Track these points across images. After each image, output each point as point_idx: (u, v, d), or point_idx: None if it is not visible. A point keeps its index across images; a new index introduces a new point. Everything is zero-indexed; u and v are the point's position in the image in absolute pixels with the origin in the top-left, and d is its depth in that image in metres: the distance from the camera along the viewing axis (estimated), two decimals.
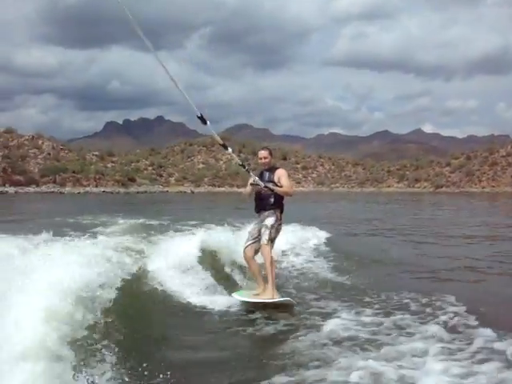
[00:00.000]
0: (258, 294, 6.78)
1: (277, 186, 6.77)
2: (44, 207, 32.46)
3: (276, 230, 6.89)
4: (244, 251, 7.07)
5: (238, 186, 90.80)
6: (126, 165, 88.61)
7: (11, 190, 60.67)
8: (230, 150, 6.45)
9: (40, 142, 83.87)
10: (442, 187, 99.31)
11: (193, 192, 77.93)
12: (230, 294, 7.08)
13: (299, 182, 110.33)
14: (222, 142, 6.14)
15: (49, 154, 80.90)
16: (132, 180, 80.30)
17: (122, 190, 71.17)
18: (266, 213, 6.89)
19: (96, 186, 72.61)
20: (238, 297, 6.68)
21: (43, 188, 66.22)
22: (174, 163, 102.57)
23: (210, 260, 8.09)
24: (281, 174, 6.84)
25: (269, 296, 6.52)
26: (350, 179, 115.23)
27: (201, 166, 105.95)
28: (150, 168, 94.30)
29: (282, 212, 7.03)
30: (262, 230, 6.85)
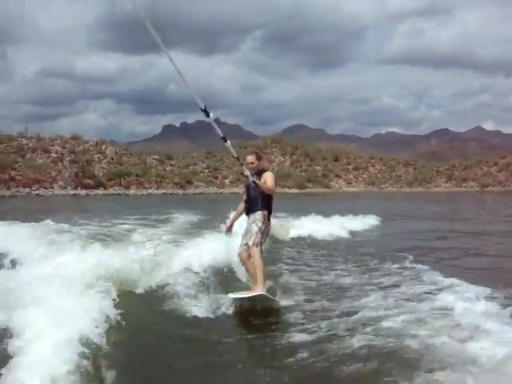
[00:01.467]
0: (253, 289, 7.06)
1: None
2: (136, 205, 37.95)
3: (263, 233, 7.27)
4: (238, 254, 7.44)
5: (288, 187, 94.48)
6: (183, 168, 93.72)
7: (83, 192, 66.50)
8: (228, 142, 6.96)
9: (103, 147, 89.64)
10: (488, 186, 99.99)
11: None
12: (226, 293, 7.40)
13: (350, 183, 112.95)
14: (222, 135, 6.76)
15: (112, 158, 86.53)
16: (189, 182, 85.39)
17: (180, 191, 76.32)
18: (253, 215, 7.33)
19: (157, 188, 78.12)
20: (232, 295, 6.97)
21: (110, 190, 71.78)
22: (228, 166, 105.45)
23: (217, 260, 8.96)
24: (267, 176, 7.33)
25: (259, 290, 6.77)
26: (399, 179, 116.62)
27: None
28: (206, 171, 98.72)
29: (270, 213, 7.44)
30: (249, 234, 7.23)
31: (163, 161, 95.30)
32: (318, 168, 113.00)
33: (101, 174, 78.47)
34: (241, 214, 7.83)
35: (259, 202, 7.29)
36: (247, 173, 7.27)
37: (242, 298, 6.88)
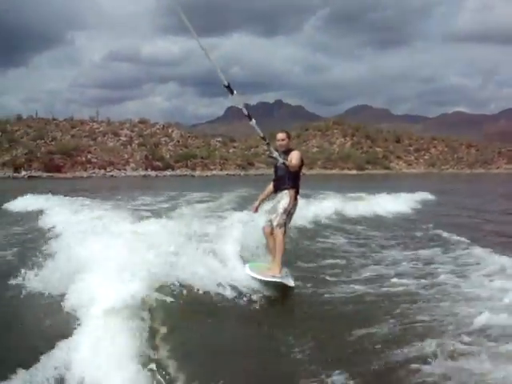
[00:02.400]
0: (269, 269, 7.24)
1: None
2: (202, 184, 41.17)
3: (289, 214, 7.36)
4: (263, 228, 7.59)
5: (348, 169, 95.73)
6: (246, 150, 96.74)
7: (152, 173, 70.79)
8: (253, 121, 6.85)
9: (170, 130, 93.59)
10: None
11: (304, 174, 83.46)
12: (245, 263, 7.68)
13: (410, 164, 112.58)
14: (246, 113, 6.68)
15: (178, 141, 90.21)
16: (251, 164, 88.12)
17: (242, 172, 79.39)
18: (281, 194, 7.39)
19: (221, 170, 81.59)
20: (249, 271, 7.15)
21: (177, 172, 75.49)
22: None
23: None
24: (293, 155, 7.29)
25: (275, 273, 6.99)
26: (461, 161, 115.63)
27: (315, 149, 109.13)
28: (268, 153, 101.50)
29: (297, 192, 7.44)
30: (274, 214, 7.28)
31: (226, 143, 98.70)
32: (378, 149, 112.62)
33: (168, 156, 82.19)
34: (269, 194, 7.88)
35: (286, 180, 7.34)
36: (275, 154, 7.28)
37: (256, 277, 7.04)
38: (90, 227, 9.68)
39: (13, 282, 6.64)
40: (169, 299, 5.72)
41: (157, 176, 68.33)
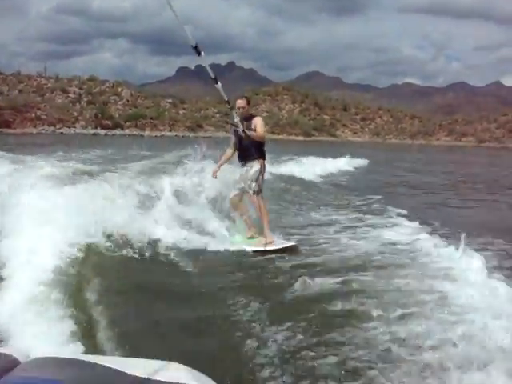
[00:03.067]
0: (251, 237, 7.33)
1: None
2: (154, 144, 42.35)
3: (261, 179, 7.35)
4: (230, 199, 7.65)
5: (295, 135, 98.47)
6: (195, 112, 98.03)
7: (102, 132, 71.65)
8: (219, 84, 6.63)
9: (119, 89, 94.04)
10: (484, 142, 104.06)
11: None
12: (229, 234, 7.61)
13: (356, 133, 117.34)
14: (213, 76, 6.42)
15: (127, 100, 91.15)
16: (200, 126, 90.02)
17: (191, 134, 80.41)
18: (250, 164, 7.30)
19: (170, 131, 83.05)
20: (244, 245, 7.09)
21: (126, 131, 76.58)
22: None
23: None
24: (257, 122, 7.20)
25: (269, 240, 7.01)
26: (404, 131, 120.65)
27: (264, 114, 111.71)
28: (218, 115, 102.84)
29: (264, 159, 7.44)
30: (248, 182, 7.25)
31: (176, 104, 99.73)
32: (326, 117, 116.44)
33: (117, 115, 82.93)
34: (228, 159, 7.76)
35: (253, 150, 7.22)
36: (236, 119, 7.11)
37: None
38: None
39: None
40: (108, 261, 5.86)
41: (106, 134, 69.13)
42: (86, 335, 3.90)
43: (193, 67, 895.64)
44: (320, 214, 10.58)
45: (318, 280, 5.39)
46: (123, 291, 5.08)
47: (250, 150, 7.24)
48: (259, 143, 7.30)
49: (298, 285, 5.31)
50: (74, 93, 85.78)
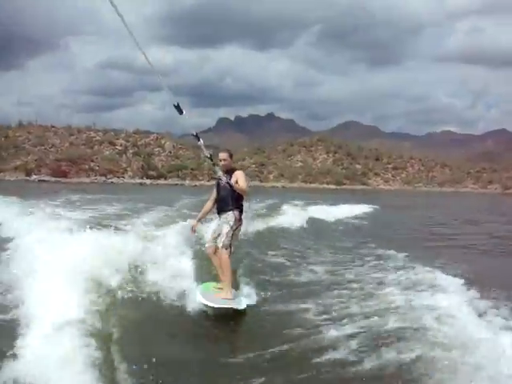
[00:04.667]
0: (221, 288, 7.12)
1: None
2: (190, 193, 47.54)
3: (234, 234, 7.17)
4: (206, 248, 7.55)
5: (327, 183, 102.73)
6: (233, 162, 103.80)
7: (148, 181, 78.07)
8: (201, 141, 6.94)
9: (162, 141, 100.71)
10: (509, 189, 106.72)
11: (284, 187, 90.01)
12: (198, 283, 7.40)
13: (387, 181, 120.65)
14: (194, 133, 6.84)
15: (170, 152, 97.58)
16: None
17: None
18: (225, 215, 7.21)
19: (208, 181, 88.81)
20: (201, 297, 6.78)
21: (169, 181, 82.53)
22: (274, 162, 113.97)
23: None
24: (238, 176, 7.14)
25: (226, 295, 6.86)
26: (433, 179, 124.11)
27: (299, 164, 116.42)
28: (254, 166, 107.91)
29: (241, 212, 7.32)
30: (220, 235, 7.14)
31: (215, 155, 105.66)
32: (358, 166, 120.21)
33: (160, 166, 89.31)
34: (207, 212, 7.73)
35: (230, 201, 7.20)
36: (219, 173, 7.17)
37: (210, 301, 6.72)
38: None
39: None
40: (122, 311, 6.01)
41: (151, 184, 75.40)
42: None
43: (232, 118, 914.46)
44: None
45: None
46: (142, 337, 5.56)
47: (226, 199, 7.22)
48: (238, 195, 7.21)
49: None
50: (121, 145, 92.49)
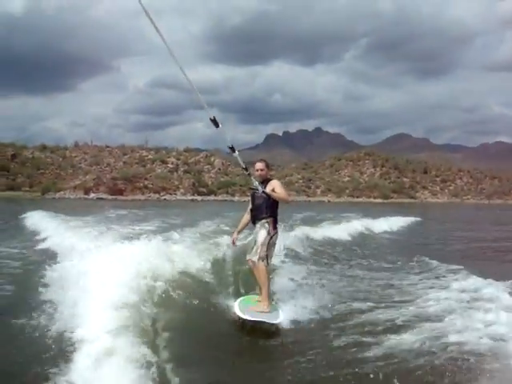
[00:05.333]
0: (259, 301, 7.16)
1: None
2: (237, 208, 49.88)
3: (269, 244, 7.13)
4: (247, 261, 7.43)
5: (374, 197, 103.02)
6: (281, 178, 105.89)
7: (198, 198, 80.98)
8: (236, 153, 6.98)
9: (212, 159, 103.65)
10: None
11: (329, 201, 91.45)
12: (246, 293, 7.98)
13: (435, 194, 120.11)
14: (230, 145, 6.83)
15: (219, 169, 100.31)
16: None
17: None
18: (258, 225, 7.23)
19: None
20: (238, 310, 6.92)
21: (219, 197, 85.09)
22: (322, 177, 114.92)
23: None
24: (275, 185, 7.20)
25: (263, 308, 6.92)
26: (482, 192, 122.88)
27: (346, 179, 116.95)
28: (301, 181, 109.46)
29: (276, 221, 7.29)
30: (255, 247, 7.14)
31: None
32: (405, 180, 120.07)
33: (210, 183, 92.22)
34: (246, 224, 7.74)
35: (264, 209, 7.17)
36: (255, 184, 7.23)
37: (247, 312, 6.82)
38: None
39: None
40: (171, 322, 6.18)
41: (202, 200, 78.18)
42: None
43: (280, 134, 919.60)
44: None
45: None
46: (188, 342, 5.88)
47: (261, 208, 7.23)
48: (272, 203, 7.21)
49: None
50: (172, 163, 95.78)
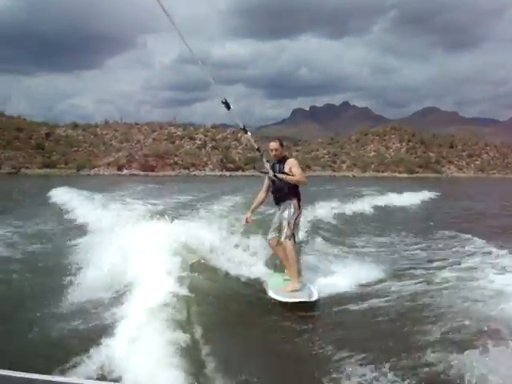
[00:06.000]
0: (287, 279, 7.17)
1: (288, 175, 7.00)
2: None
3: (295, 223, 7.12)
4: (268, 241, 7.57)
5: (399, 172, 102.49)
6: (307, 153, 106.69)
7: (226, 173, 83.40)
8: (249, 134, 6.98)
9: (239, 135, 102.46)
10: None
11: (354, 176, 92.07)
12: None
13: (461, 169, 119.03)
14: (242, 126, 6.87)
15: (246, 145, 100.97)
16: (308, 167, 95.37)
17: None
18: (283, 205, 7.19)
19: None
20: (270, 292, 6.96)
21: (246, 172, 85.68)
22: (348, 152, 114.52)
23: None
24: (291, 164, 7.05)
25: (294, 287, 6.88)
26: (507, 166, 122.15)
27: (372, 154, 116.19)
28: (327, 156, 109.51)
29: (299, 200, 7.25)
30: (281, 226, 7.18)
31: (290, 147, 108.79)
32: (431, 154, 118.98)
33: (237, 159, 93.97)
34: (260, 203, 7.70)
35: (286, 191, 7.10)
36: (267, 167, 7.19)
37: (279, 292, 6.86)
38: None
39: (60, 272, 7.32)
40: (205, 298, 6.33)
41: (230, 175, 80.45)
42: (196, 370, 4.23)
43: (307, 108, 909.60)
44: None
45: None
46: (226, 325, 5.90)
47: (283, 189, 7.15)
48: (294, 183, 7.13)
49: None
50: (200, 139, 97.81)
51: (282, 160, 7.26)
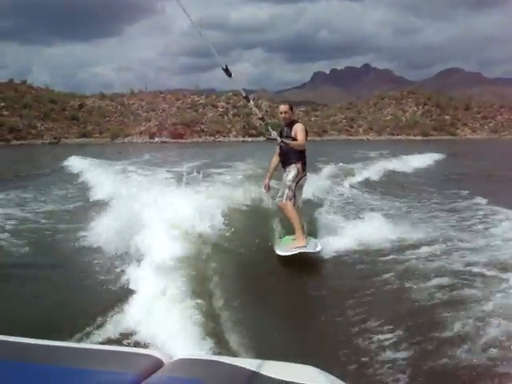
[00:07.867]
0: (294, 240, 7.34)
1: (294, 140, 7.26)
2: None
3: (297, 185, 7.41)
4: (277, 204, 7.80)
5: (414, 135, 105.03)
6: (325, 118, 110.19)
7: (249, 139, 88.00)
8: (251, 102, 7.20)
9: (260, 101, 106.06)
10: None
11: (368, 139, 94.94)
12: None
13: (475, 131, 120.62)
14: (244, 95, 6.96)
15: (266, 111, 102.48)
16: (325, 131, 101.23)
17: (317, 138, 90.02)
18: (288, 168, 7.41)
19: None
20: (277, 250, 7.26)
21: None
22: (365, 116, 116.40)
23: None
24: (297, 129, 7.27)
25: (299, 243, 7.10)
26: None
27: (389, 117, 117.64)
28: (344, 121, 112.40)
29: (304, 164, 7.46)
30: (283, 187, 7.42)
31: (309, 112, 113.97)
32: (447, 117, 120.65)
33: (258, 124, 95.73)
34: (275, 167, 7.92)
35: (292, 154, 7.35)
36: (273, 134, 7.28)
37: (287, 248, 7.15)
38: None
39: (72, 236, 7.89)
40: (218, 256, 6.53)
41: (252, 141, 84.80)
42: (218, 337, 4.29)
43: (328, 72, 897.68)
44: None
45: None
46: (248, 294, 5.80)
47: (288, 153, 7.40)
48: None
49: None
50: (222, 107, 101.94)
51: (290, 124, 7.54)
